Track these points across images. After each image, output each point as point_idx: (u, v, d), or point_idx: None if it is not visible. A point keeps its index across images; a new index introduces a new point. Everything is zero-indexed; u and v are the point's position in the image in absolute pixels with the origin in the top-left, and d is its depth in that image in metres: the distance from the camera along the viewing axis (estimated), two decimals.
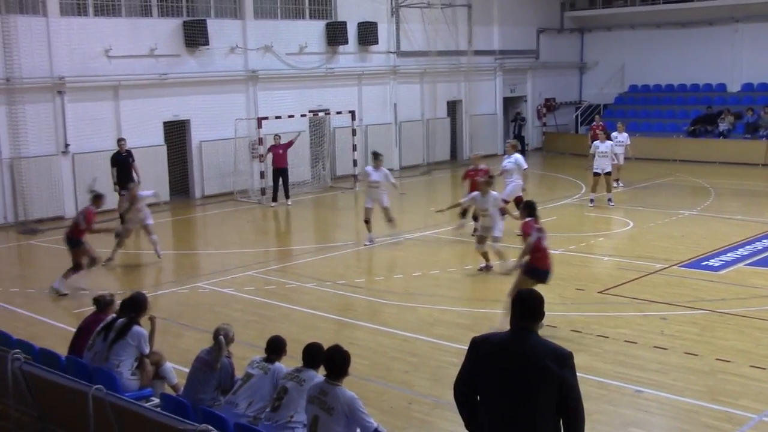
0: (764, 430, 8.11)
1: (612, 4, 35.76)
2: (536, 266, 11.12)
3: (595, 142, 21.38)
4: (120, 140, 19.68)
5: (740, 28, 32.21)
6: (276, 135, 22.67)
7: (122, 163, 19.25)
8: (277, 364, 7.32)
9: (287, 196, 22.59)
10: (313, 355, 6.92)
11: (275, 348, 7.44)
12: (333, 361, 6.51)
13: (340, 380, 6.46)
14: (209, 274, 15.14)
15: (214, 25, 23.81)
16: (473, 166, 17.30)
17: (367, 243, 17.04)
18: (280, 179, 22.44)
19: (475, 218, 16.12)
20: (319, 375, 6.79)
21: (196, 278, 14.87)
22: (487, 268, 14.53)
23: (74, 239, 14.03)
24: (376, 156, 17.35)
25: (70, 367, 8.11)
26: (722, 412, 8.49)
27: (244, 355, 8.71)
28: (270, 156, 22.59)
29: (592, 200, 20.81)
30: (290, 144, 22.72)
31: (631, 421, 8.44)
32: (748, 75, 32.47)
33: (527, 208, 11.73)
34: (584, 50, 37.12)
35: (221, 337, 7.67)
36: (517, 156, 17.85)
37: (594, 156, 20.93)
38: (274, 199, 22.48)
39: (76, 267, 14.01)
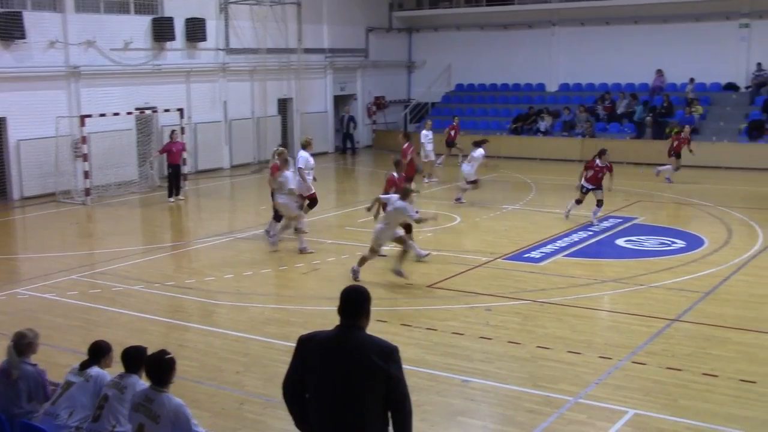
0: (580, 411, 8.57)
1: (438, 5, 36.76)
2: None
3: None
4: None
5: (557, 31, 33.91)
6: (173, 131, 22.93)
7: None
8: (98, 370, 6.99)
9: (177, 192, 22.52)
10: (133, 359, 6.65)
11: (95, 353, 7.10)
12: (156, 368, 6.23)
13: (165, 387, 6.22)
14: (29, 279, 14.43)
15: (31, 18, 22.68)
16: None
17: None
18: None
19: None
20: (142, 381, 6.57)
21: (15, 284, 14.13)
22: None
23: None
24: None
25: None
26: (542, 396, 8.92)
27: (68, 363, 8.36)
28: (161, 153, 22.91)
29: None
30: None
31: (459, 410, 8.71)
32: (564, 76, 34.23)
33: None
34: (412, 50, 37.95)
35: (10, 344, 7.14)
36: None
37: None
38: (170, 194, 22.43)
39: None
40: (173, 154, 22.37)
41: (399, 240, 13.90)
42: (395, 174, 15.54)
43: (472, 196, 21.06)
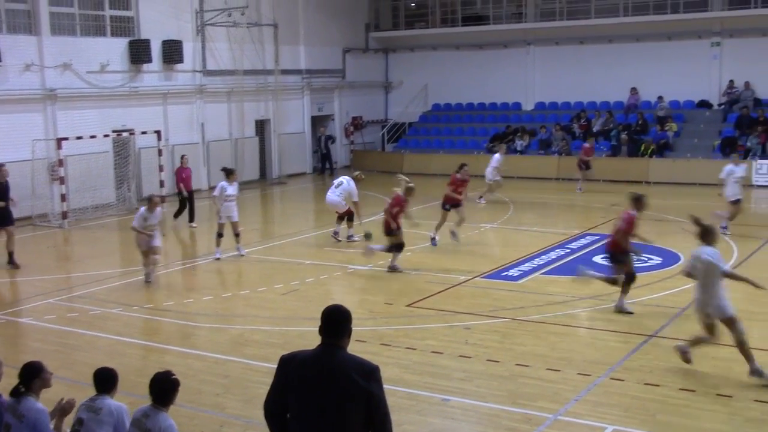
0: (559, 428, 8.62)
1: (414, 26, 37.01)
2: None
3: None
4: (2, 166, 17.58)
5: (532, 50, 34.24)
6: (183, 155, 22.09)
7: (4, 193, 17.33)
8: (29, 403, 6.61)
9: (192, 219, 21.76)
10: (104, 380, 6.73)
11: (28, 376, 6.80)
12: (160, 387, 6.40)
13: (165, 407, 6.40)
14: (5, 303, 14.34)
15: (6, 41, 22.68)
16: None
17: (218, 256, 17.29)
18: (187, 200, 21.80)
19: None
20: (115, 401, 6.67)
21: None
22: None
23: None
24: (230, 172, 17.60)
25: None
26: (521, 414, 8.96)
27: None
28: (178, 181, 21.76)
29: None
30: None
31: (439, 428, 8.74)
32: (540, 94, 34.54)
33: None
34: (389, 70, 38.16)
35: None
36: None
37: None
38: (191, 219, 21.73)
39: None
40: (184, 179, 21.57)
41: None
42: (633, 212, 12.87)
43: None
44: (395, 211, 15.85)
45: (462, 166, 18.81)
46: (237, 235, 17.40)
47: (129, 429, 6.41)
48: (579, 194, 26.22)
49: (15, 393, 6.71)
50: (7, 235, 17.23)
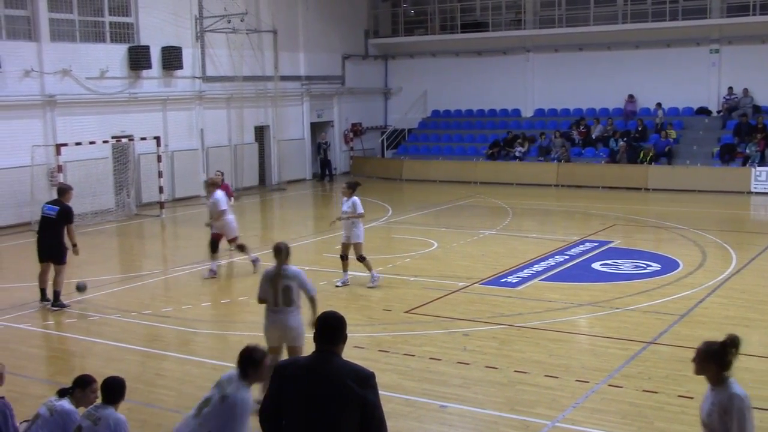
0: None
1: (413, 33, 37.06)
2: None
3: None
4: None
5: (531, 57, 34.29)
6: (218, 171, 19.36)
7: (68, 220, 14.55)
8: (64, 405, 6.85)
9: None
10: (111, 390, 6.72)
11: (73, 383, 7.05)
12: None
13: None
14: (3, 309, 14.29)
15: (5, 47, 22.70)
16: None
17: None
18: None
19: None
20: (117, 413, 6.65)
21: None
22: None
23: None
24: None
25: None
26: (519, 420, 8.95)
27: (42, 394, 8.32)
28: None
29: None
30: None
31: None
32: (539, 101, 34.56)
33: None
34: (388, 76, 38.20)
35: None
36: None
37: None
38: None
39: None
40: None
41: None
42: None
43: (447, 221, 21.08)
44: None
45: None
46: None
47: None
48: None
49: (61, 392, 6.98)
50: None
